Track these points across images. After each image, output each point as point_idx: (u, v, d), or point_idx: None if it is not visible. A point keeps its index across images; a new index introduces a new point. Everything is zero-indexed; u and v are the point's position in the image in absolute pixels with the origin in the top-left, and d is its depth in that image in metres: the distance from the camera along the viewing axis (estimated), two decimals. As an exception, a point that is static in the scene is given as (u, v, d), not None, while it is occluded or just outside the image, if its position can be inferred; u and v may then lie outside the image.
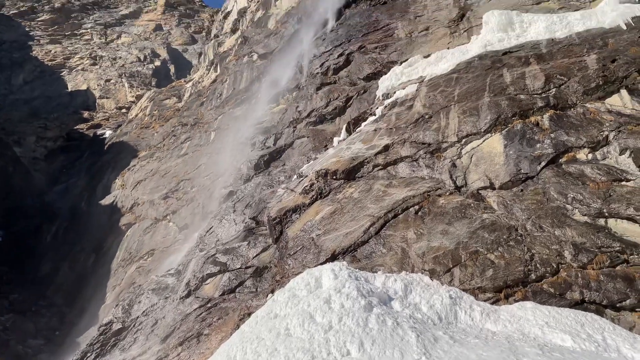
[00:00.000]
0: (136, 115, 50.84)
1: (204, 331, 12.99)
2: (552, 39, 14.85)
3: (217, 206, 21.09)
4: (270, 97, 26.46)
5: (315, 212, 14.01)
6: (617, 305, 8.76)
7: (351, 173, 14.69)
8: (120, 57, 71.39)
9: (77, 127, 56.28)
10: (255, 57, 33.32)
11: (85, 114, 60.06)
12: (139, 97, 59.14)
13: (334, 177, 14.80)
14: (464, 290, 9.52)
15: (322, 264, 11.34)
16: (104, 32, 78.88)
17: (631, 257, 9.37)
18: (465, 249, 10.55)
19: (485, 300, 9.33)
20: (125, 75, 66.77)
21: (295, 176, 17.73)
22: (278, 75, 27.68)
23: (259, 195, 18.70)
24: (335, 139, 18.99)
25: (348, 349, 7.33)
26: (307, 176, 15.93)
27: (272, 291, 12.56)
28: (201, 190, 25.13)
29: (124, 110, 60.78)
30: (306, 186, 15.11)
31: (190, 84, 48.38)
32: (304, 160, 19.94)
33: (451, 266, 10.34)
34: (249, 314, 11.19)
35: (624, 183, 10.59)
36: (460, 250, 10.60)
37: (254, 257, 15.15)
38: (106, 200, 35.36)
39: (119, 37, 78.31)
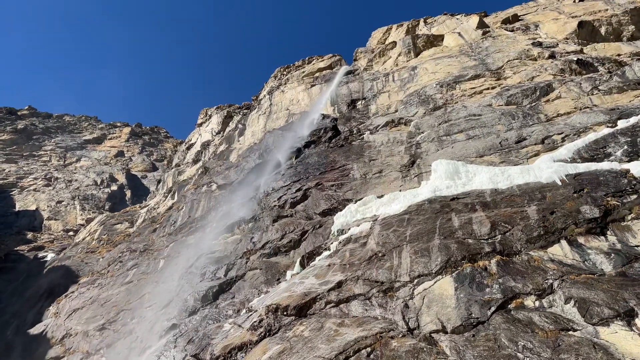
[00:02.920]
0: (83, 239, 49.02)
1: None
2: (496, 189, 15.95)
3: (157, 340, 19.58)
4: (225, 227, 26.37)
5: (263, 351, 13.20)
6: None
7: (303, 309, 14.24)
8: (76, 180, 70.93)
9: (18, 248, 53.39)
10: (214, 187, 33.84)
11: (29, 235, 57.46)
12: (89, 221, 57.68)
13: (285, 312, 14.28)
14: None
15: (265, 410, 10.37)
16: (64, 154, 79.28)
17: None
18: (418, 398, 9.97)
19: None
20: (78, 198, 65.73)
21: (244, 310, 16.99)
22: (235, 206, 27.95)
23: (204, 329, 17.60)
24: (289, 273, 18.71)
25: None
26: (256, 311, 15.30)
27: None
28: (141, 322, 23.48)
29: (71, 233, 58.67)
30: (255, 322, 14.42)
31: (146, 209, 47.95)
32: (255, 294, 19.30)
33: (403, 417, 9.66)
34: None
35: (571, 333, 10.67)
36: (413, 399, 10.01)
37: (190, 401, 13.74)
38: (36, 329, 32.28)
39: (78, 160, 78.68)
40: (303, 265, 18.40)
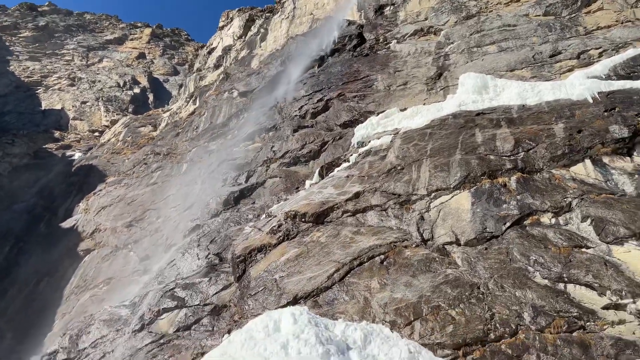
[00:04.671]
0: (109, 140, 50.12)
1: (153, 369, 12.40)
2: (523, 105, 15.49)
3: (181, 239, 20.63)
4: (246, 135, 26.55)
5: (281, 253, 13.83)
6: (573, 372, 8.77)
7: (320, 217, 14.66)
8: (99, 81, 70.98)
9: (46, 146, 54.99)
10: (235, 94, 33.61)
11: (57, 134, 58.89)
12: (113, 122, 58.53)
13: (303, 219, 14.74)
14: (423, 344, 9.40)
15: (282, 307, 11.10)
16: (86, 54, 78.68)
17: (587, 324, 9.49)
18: (428, 303, 10.50)
19: (443, 357, 9.22)
20: (102, 99, 66.21)
21: (264, 215, 17.58)
22: (256, 114, 27.91)
23: (226, 231, 18.41)
24: (308, 182, 19.04)
25: (301, 398, 7.09)
26: (275, 216, 15.82)
27: (229, 331, 12.16)
28: (167, 222, 24.60)
29: (96, 134, 59.90)
30: (274, 226, 14.97)
31: (168, 114, 48.26)
32: (274, 200, 19.85)
33: (412, 319, 10.25)
34: (203, 354, 10.76)
35: (584, 250, 10.85)
36: (423, 303, 10.54)
37: (213, 295, 14.73)
38: (67, 224, 34.18)
39: (100, 60, 78.17)
40: (322, 176, 18.65)
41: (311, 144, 21.97)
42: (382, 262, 12.24)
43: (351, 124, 21.30)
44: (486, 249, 11.76)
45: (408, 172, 14.82)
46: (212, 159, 26.93)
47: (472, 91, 16.88)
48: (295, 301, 11.79)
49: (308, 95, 24.79)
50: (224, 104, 33.67)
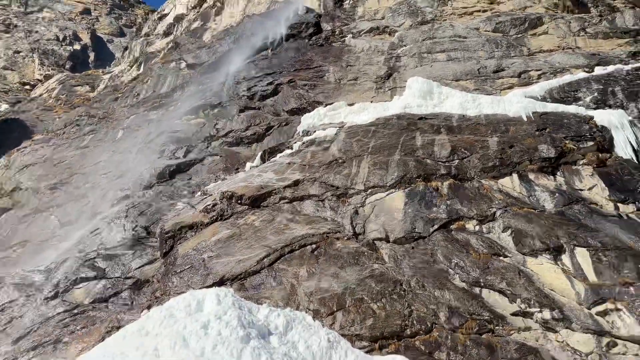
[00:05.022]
0: (40, 95, 47.02)
1: (64, 338, 11.88)
2: (464, 115, 16.12)
3: (108, 208, 19.80)
4: (190, 108, 25.78)
5: (212, 233, 13.65)
6: (477, 371, 9.34)
7: (257, 201, 14.59)
8: (37, 32, 66.24)
9: (-32, 93, 50.73)
10: (183, 65, 32.55)
11: (-18, 81, 54.45)
12: (47, 77, 54.92)
13: (239, 201, 14.60)
14: (342, 335, 9.65)
15: (208, 287, 10.97)
16: (26, 1, 73.12)
17: (496, 328, 10.12)
18: (352, 295, 10.77)
19: (360, 348, 9.51)
20: (37, 51, 61.88)
21: (199, 193, 17.24)
22: (203, 89, 27.18)
23: (157, 205, 17.87)
24: (248, 164, 18.86)
25: (216, 379, 7.07)
26: (211, 195, 15.56)
27: (149, 307, 11.88)
28: (95, 188, 23.52)
29: (27, 87, 55.98)
30: (208, 205, 14.73)
31: (109, 76, 45.96)
32: (212, 179, 19.50)
33: (335, 310, 10.48)
34: (118, 327, 10.43)
35: (501, 258, 11.52)
36: (347, 295, 10.80)
37: (136, 268, 14.31)
38: (-17, 179, 31.81)
39: (40, 10, 72.93)
40: (263, 160, 18.53)
41: (256, 127, 21.74)
42: (313, 251, 12.40)
43: (299, 111, 21.26)
44: (413, 248, 12.21)
45: (348, 166, 15.04)
46: (151, 129, 25.98)
47: (418, 95, 17.35)
48: (221, 282, 11.71)
49: (258, 77, 24.46)
50: (170, 73, 32.53)
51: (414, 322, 10.17)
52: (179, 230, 14.07)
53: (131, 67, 43.13)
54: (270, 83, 23.47)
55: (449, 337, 9.85)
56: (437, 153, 14.73)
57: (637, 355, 9.46)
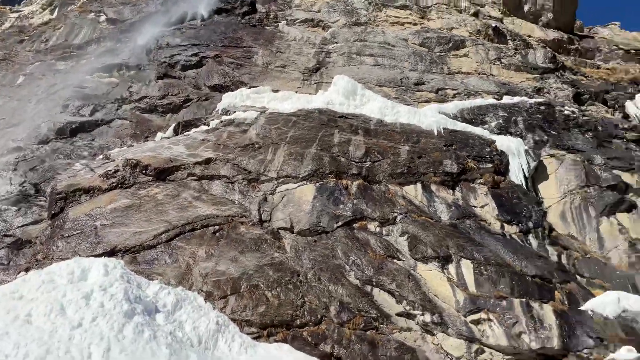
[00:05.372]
0: None
1: None
2: (381, 121, 16.62)
3: (-5, 158, 18.00)
4: (104, 66, 24.10)
5: (110, 200, 12.92)
6: (358, 365, 9.74)
7: (163, 173, 14.01)
8: None
9: None
10: (103, 18, 30.34)
11: None
12: (-59, 1, 48.57)
13: (144, 171, 13.94)
14: (232, 319, 9.59)
15: (97, 256, 10.38)
16: None
17: (381, 326, 10.61)
18: (248, 281, 10.74)
19: (248, 334, 9.51)
20: None
21: (101, 156, 16.21)
22: (121, 47, 25.55)
23: (52, 162, 16.55)
24: (160, 134, 18.05)
25: (91, 352, 6.72)
26: (114, 160, 14.71)
27: (27, 269, 11.01)
28: (-18, 134, 21.25)
29: None
30: (109, 170, 13.91)
31: (16, 15, 41.64)
32: (117, 144, 18.42)
33: (229, 293, 10.39)
34: (-12, 289, 9.55)
35: (395, 260, 12.10)
36: (243, 280, 10.75)
37: (19, 227, 13.18)
38: None
39: None
40: (177, 132, 17.82)
41: (174, 97, 20.85)
42: (215, 232, 12.18)
43: (221, 88, 20.70)
44: (315, 241, 12.42)
45: (264, 153, 14.94)
46: (57, 80, 23.96)
47: (342, 93, 17.62)
48: (112, 253, 11.14)
49: (183, 46, 23.45)
50: (87, 24, 30.17)
51: (305, 313, 10.37)
52: (73, 193, 13.15)
53: (44, 10, 39.40)
54: (195, 54, 22.62)
55: (336, 330, 10.17)
56: (352, 153, 15.09)
57: (499, 362, 10.40)
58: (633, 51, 26.18)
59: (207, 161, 14.53)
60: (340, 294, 11.00)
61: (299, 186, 13.87)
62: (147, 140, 17.90)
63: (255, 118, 16.69)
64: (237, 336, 8.81)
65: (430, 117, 16.88)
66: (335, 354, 9.76)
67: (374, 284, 11.47)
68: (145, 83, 21.73)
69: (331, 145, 15.26)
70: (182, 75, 21.97)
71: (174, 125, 18.32)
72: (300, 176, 14.07)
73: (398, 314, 10.99)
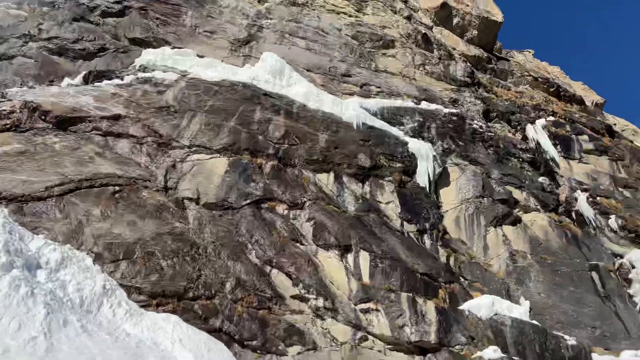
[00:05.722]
0: None
1: None
2: (305, 105, 16.64)
3: None
4: (13, -5, 21.77)
5: (0, 142, 11.75)
6: (245, 343, 9.79)
7: (65, 123, 12.99)
8: None
9: None
10: (18, -58, 27.31)
11: None
12: None
13: (43, 117, 12.83)
14: (121, 285, 9.18)
15: (-25, 200, 9.44)
16: None
17: (274, 306, 10.75)
18: (144, 247, 10.33)
19: (137, 302, 9.17)
20: None
21: (-4, 93, 14.66)
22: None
23: None
24: (67, 80, 16.67)
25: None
26: (11, 100, 13.37)
27: None
28: None
29: None
30: (4, 110, 12.62)
31: None
32: (17, 82, 16.76)
33: (121, 258, 9.93)
34: None
35: (298, 244, 12.28)
36: (139, 246, 10.33)
37: None
38: None
39: None
40: (86, 81, 16.58)
41: (88, 43, 19.32)
42: (114, 193, 11.55)
43: (142, 43, 19.53)
44: (220, 215, 12.23)
45: (180, 118, 14.39)
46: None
47: (269, 71, 17.39)
48: (-5, 200, 10.17)
49: (107, -10, 21.77)
50: (-2, -55, 26.99)
51: (200, 286, 10.20)
52: (-44, 129, 11.80)
53: None
54: (119, 2, 21.08)
55: (229, 306, 10.13)
56: (271, 133, 14.99)
57: (380, 351, 10.97)
58: (540, 79, 28.47)
59: (116, 117, 13.70)
60: (239, 271, 10.96)
61: (211, 158, 13.54)
62: (53, 84, 16.46)
63: (175, 81, 15.98)
64: (124, 302, 8.47)
65: (352, 110, 17.19)
66: (224, 329, 9.73)
67: (274, 264, 11.56)
68: (58, 23, 19.91)
69: (251, 121, 15.05)
70: (102, 21, 20.40)
71: (84, 73, 17.02)
72: (215, 148, 13.74)
73: (293, 296, 11.18)
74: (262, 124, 15.12)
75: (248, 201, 12.81)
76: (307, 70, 19.56)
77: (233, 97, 15.70)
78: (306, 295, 11.21)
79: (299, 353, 10.22)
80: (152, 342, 7.56)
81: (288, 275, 11.44)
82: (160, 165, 12.94)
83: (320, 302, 11.13)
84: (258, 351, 9.82)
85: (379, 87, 20.21)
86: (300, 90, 17.21)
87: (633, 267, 16.40)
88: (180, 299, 9.75)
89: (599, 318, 14.29)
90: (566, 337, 12.76)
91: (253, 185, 13.23)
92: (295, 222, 13.00)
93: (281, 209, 13.18)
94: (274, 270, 11.46)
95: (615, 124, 31.26)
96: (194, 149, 13.63)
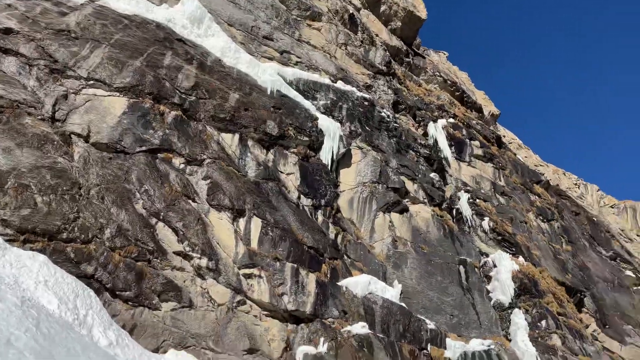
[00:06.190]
0: None
1: None
2: (220, 60, 16.05)
3: None
4: None
5: None
6: (117, 292, 9.40)
7: (-60, 24, 11.30)
8: None
9: None
10: None
11: None
12: None
13: None
14: (-16, 216, 8.34)
15: None
16: None
17: (154, 260, 10.42)
18: (18, 178, 9.43)
19: (1, 235, 8.40)
20: None
21: None
22: None
23: None
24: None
25: None
26: None
27: None
28: None
29: None
30: None
31: None
32: None
33: (-12, 186, 8.98)
34: None
35: (190, 201, 11.94)
36: (12, 176, 9.40)
37: None
38: None
39: None
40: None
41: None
42: (-10, 114, 10.34)
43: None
44: (110, 158, 11.51)
45: (80, 46, 13.16)
46: None
47: (188, 17, 16.46)
48: None
49: None
50: None
51: (76, 229, 9.57)
52: None
53: None
54: None
55: (105, 254, 9.63)
56: (180, 81, 14.29)
57: (256, 316, 11.15)
58: (449, 82, 30.11)
59: (7, 31, 12.20)
60: (122, 219, 10.44)
61: (109, 95, 12.62)
62: None
63: (82, 4, 14.52)
64: (-15, 235, 7.69)
65: (268, 75, 16.90)
66: (97, 276, 9.26)
67: (161, 218, 11.16)
68: None
69: (160, 65, 14.20)
70: None
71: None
72: (115, 85, 12.81)
73: (176, 252, 10.92)
74: (171, 70, 14.34)
75: (144, 148, 12.17)
76: (229, 25, 18.81)
77: (144, 36, 14.67)
78: (190, 253, 11.00)
79: (173, 309, 10.06)
80: (14, 280, 6.96)
81: (175, 230, 11.13)
82: (50, 93, 11.79)
83: (204, 262, 10.99)
84: (130, 302, 9.49)
85: (299, 58, 20.04)
86: (218, 43, 16.54)
87: (495, 266, 18.27)
88: (51, 239, 9.07)
89: (458, 307, 15.76)
90: (427, 321, 13.92)
91: (151, 133, 12.57)
92: (191, 177, 12.61)
93: (178, 162, 12.69)
94: (160, 224, 11.07)
95: (504, 136, 34.15)
96: (92, 82, 12.59)
